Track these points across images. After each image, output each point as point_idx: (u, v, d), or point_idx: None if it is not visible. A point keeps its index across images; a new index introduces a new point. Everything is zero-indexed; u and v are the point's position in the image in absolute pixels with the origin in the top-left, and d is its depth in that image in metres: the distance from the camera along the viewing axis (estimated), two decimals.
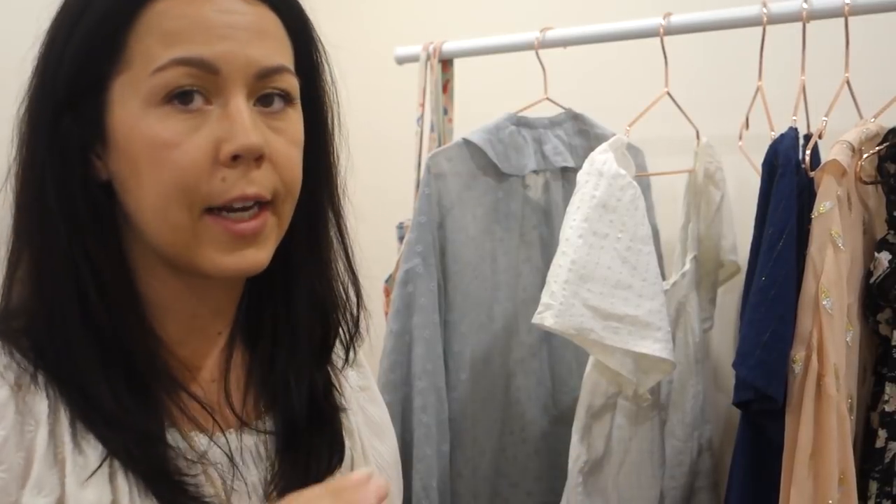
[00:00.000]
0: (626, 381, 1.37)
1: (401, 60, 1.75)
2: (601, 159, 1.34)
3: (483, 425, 1.56)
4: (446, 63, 1.71)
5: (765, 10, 1.34)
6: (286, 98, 0.68)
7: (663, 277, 1.48)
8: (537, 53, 1.55)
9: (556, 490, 1.48)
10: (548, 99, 1.59)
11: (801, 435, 1.17)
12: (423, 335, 1.47)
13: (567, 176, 1.60)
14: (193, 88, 0.63)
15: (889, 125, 1.29)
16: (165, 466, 0.65)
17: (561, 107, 1.61)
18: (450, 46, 1.68)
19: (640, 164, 1.56)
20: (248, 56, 0.65)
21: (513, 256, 1.59)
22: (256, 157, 0.64)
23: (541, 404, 1.61)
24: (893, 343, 1.25)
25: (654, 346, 1.30)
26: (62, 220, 0.65)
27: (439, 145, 1.65)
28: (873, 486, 1.25)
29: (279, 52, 0.68)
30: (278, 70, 0.67)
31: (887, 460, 1.23)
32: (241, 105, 0.64)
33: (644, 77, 1.51)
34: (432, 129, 1.69)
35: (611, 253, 1.31)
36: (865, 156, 1.27)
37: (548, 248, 1.58)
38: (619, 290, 1.30)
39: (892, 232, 1.28)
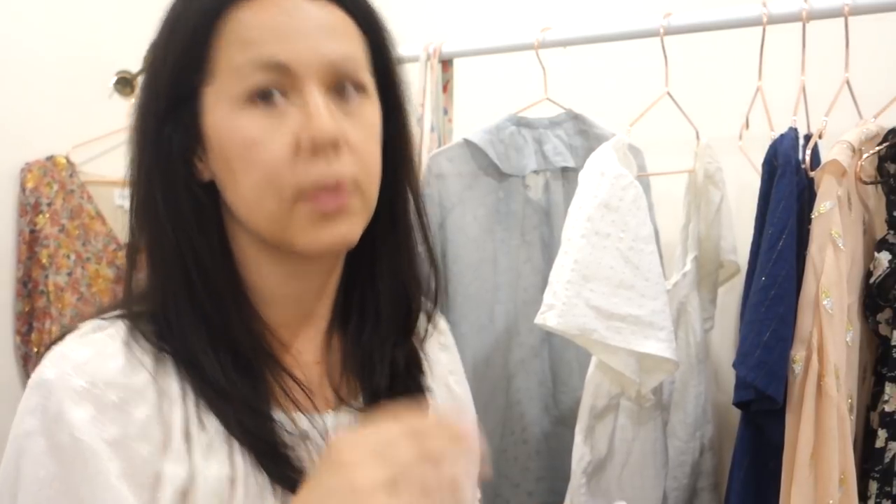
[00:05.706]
0: (629, 381, 1.37)
1: (401, 60, 1.74)
2: (603, 159, 1.34)
3: (484, 426, 1.56)
4: (446, 63, 1.71)
5: (765, 10, 1.34)
6: (359, 88, 0.73)
7: (664, 278, 1.48)
8: (537, 53, 1.55)
9: (556, 490, 1.48)
10: (548, 99, 1.59)
11: (801, 435, 1.17)
12: None
13: (567, 176, 1.60)
14: (271, 88, 0.69)
15: (889, 125, 1.29)
16: (273, 439, 0.70)
17: (561, 107, 1.61)
18: (450, 46, 1.68)
19: (641, 165, 1.56)
20: (318, 52, 0.70)
21: (513, 257, 1.58)
22: (334, 144, 0.69)
23: (542, 405, 1.60)
24: (893, 343, 1.25)
25: (658, 345, 1.30)
26: (168, 218, 0.72)
27: (439, 145, 1.65)
28: (873, 486, 1.25)
29: (349, 46, 0.72)
30: (348, 62, 0.72)
31: (887, 460, 1.23)
32: (315, 98, 0.69)
33: (644, 77, 1.51)
34: (432, 129, 1.69)
35: (613, 253, 1.31)
36: (865, 156, 1.27)
37: (548, 248, 1.58)
38: (622, 289, 1.30)
39: (892, 232, 1.28)
